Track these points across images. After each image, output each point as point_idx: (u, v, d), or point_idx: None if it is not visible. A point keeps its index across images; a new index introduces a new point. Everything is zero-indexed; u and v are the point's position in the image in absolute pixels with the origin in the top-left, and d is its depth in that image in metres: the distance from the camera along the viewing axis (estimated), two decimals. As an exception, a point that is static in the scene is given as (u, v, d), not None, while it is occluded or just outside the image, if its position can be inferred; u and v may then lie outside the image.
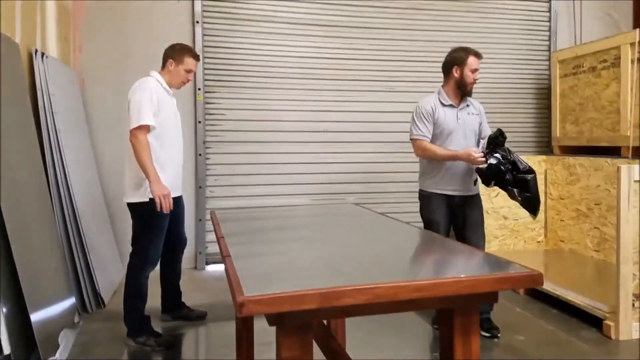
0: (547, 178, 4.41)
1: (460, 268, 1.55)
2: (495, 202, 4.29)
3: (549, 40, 4.88)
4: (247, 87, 4.28)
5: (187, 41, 4.13)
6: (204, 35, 4.17)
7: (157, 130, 2.72)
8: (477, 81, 2.94)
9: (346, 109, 4.48)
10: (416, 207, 4.99)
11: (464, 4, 4.66)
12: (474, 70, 2.87)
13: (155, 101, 2.72)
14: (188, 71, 2.92)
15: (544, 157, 4.47)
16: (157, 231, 2.77)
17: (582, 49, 4.22)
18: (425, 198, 3.02)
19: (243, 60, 4.27)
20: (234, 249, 1.83)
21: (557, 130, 4.56)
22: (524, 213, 4.41)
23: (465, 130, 2.93)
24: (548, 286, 3.31)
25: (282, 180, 4.38)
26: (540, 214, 4.45)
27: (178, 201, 2.95)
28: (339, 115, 4.46)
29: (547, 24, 4.88)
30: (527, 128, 4.91)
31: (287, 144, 4.38)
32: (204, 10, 4.17)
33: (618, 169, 2.80)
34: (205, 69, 4.19)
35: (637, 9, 4.94)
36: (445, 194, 2.92)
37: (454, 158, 2.82)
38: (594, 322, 2.96)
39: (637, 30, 3.68)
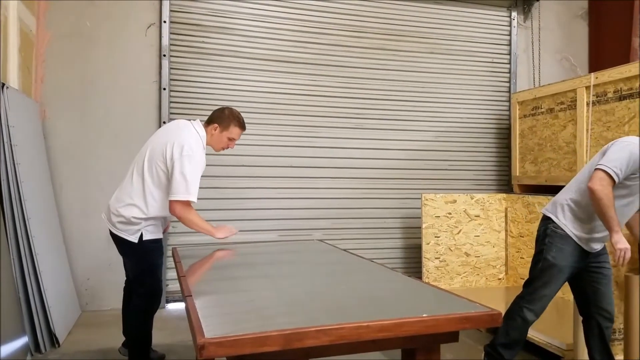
0: (507, 216, 4.53)
1: (423, 307, 1.56)
2: (458, 239, 4.37)
3: (510, 82, 5.12)
4: (214, 121, 4.27)
5: (153, 74, 4.15)
6: (170, 68, 4.17)
7: None
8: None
9: (313, 144, 4.52)
10: (381, 243, 5.00)
11: (429, 46, 4.86)
12: None
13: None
14: (231, 139, 2.82)
15: (504, 195, 4.61)
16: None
17: (541, 91, 4.44)
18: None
19: (210, 94, 4.28)
20: (196, 288, 1.78)
21: (516, 169, 4.73)
22: (485, 250, 4.55)
23: None
24: (511, 323, 3.34)
25: (248, 216, 4.33)
26: (501, 251, 4.57)
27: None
28: (305, 150, 4.50)
29: (508, 66, 5.13)
30: (488, 167, 5.07)
31: (253, 178, 4.36)
32: (171, 44, 4.19)
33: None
34: (171, 102, 4.18)
35: (592, 54, 5.27)
36: None
37: (611, 231, 2.30)
38: (552, 359, 2.99)
39: (592, 74, 3.89)
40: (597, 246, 2.47)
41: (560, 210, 2.48)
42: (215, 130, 2.76)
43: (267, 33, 4.41)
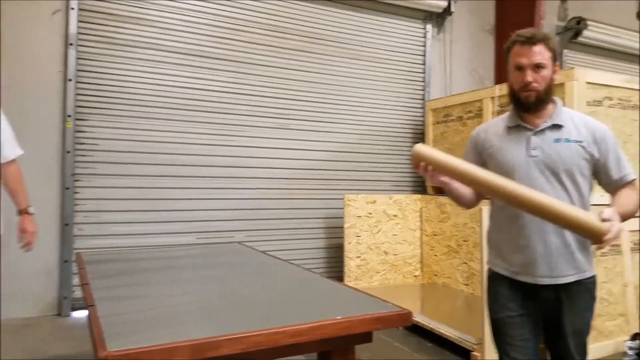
0: (422, 216, 4.74)
1: (338, 309, 1.57)
2: (377, 238, 4.50)
3: (424, 90, 5.37)
4: (125, 115, 4.03)
5: (58, 64, 3.84)
6: (78, 58, 3.88)
7: None
8: None
9: (234, 143, 4.42)
10: (304, 243, 5.04)
11: (350, 52, 4.95)
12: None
13: None
14: None
15: (419, 196, 4.82)
16: None
17: (451, 100, 4.70)
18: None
19: (122, 87, 4.03)
20: (101, 294, 1.67)
21: (430, 172, 4.96)
22: (402, 248, 4.73)
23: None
24: (423, 320, 3.50)
25: (164, 218, 4.14)
26: (417, 249, 4.78)
27: None
28: (226, 149, 4.39)
29: (423, 75, 5.37)
30: (404, 169, 5.27)
31: (169, 178, 4.17)
32: (80, 33, 3.89)
33: (480, 209, 3.10)
34: (77, 94, 3.88)
35: (498, 67, 5.66)
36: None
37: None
38: (464, 353, 3.16)
39: (497, 86, 4.18)
40: (537, 269, 1.74)
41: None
42: None
43: (187, 27, 4.24)
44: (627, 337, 3.15)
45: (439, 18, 5.36)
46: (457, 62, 5.49)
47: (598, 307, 3.24)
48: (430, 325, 3.44)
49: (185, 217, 4.21)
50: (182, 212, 4.20)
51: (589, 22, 6.07)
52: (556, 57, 1.80)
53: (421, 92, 5.35)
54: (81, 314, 3.88)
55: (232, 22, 4.42)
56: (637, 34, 6.47)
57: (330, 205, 4.79)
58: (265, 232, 4.53)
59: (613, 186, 1.80)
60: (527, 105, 1.77)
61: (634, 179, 1.79)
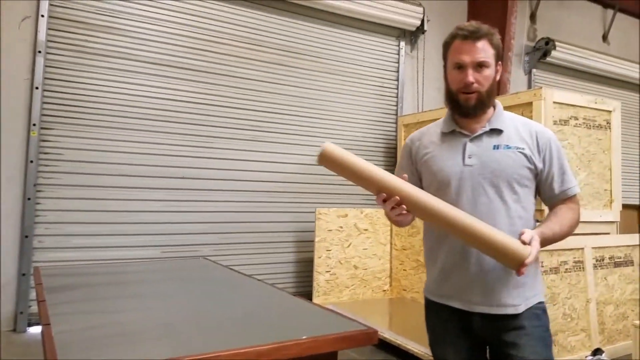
0: (392, 230, 4.77)
1: (303, 328, 1.55)
2: (348, 252, 4.50)
3: (397, 105, 5.44)
4: (92, 125, 3.93)
5: (25, 71, 3.73)
6: (46, 66, 3.78)
7: None
8: None
9: (205, 155, 4.36)
10: (273, 257, 4.98)
11: (324, 66, 4.99)
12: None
13: None
14: None
15: (390, 211, 4.85)
16: None
17: (423, 116, 4.77)
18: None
19: (91, 96, 3.94)
20: (58, 310, 1.61)
21: (401, 187, 5.01)
22: (372, 263, 4.74)
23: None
24: (390, 336, 3.50)
25: (130, 230, 4.03)
26: (386, 264, 4.79)
27: None
28: (196, 161, 4.32)
29: (396, 91, 5.44)
30: (376, 183, 5.30)
31: (136, 190, 4.07)
32: (49, 40, 3.80)
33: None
34: (44, 103, 3.77)
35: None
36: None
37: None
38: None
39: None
40: (470, 294, 1.54)
41: None
42: None
43: (160, 37, 4.19)
44: (589, 352, 3.22)
45: (412, 36, 5.47)
46: (429, 79, 5.59)
47: (561, 322, 3.31)
48: (398, 342, 3.44)
49: (151, 230, 4.12)
50: (148, 225, 4.11)
51: (557, 43, 6.30)
52: (500, 56, 1.60)
53: (394, 108, 5.42)
54: (38, 330, 3.73)
55: (208, 33, 4.40)
56: (604, 56, 6.75)
57: (302, 218, 4.77)
58: (235, 245, 4.47)
59: (553, 200, 1.60)
60: (466, 109, 1.57)
61: (575, 194, 1.60)
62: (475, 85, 1.54)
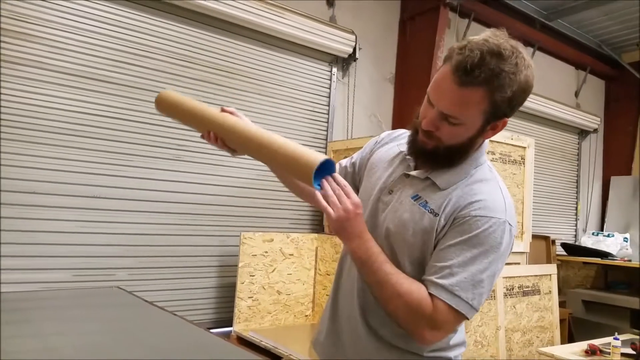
0: (317, 255, 4.77)
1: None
2: (272, 277, 4.43)
3: (327, 131, 5.50)
4: (-2, 139, 3.63)
5: None
6: (-54, 70, 3.45)
7: None
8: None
9: (122, 174, 4.13)
10: (194, 282, 4.81)
11: (256, 87, 4.94)
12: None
13: None
14: None
15: (316, 235, 4.86)
16: None
17: (352, 143, 4.86)
18: None
19: (-2, 107, 3.63)
20: None
21: (328, 211, 5.04)
22: (296, 288, 4.69)
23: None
24: (310, 364, 3.46)
25: (36, 252, 3.72)
26: (310, 289, 4.77)
27: None
28: (113, 180, 4.08)
29: (326, 116, 5.50)
30: (304, 207, 5.30)
31: (47, 208, 3.78)
32: (-49, 42, 3.48)
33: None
34: (-58, 110, 3.43)
35: (395, 114, 5.98)
36: None
37: None
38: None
39: (392, 133, 4.39)
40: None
41: None
42: None
43: (78, 47, 3.96)
44: (497, 379, 3.36)
45: (344, 62, 5.58)
46: (359, 106, 5.72)
47: (473, 350, 3.44)
48: (317, 371, 3.40)
49: (62, 251, 3.83)
50: (60, 247, 3.82)
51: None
52: (498, 114, 1.18)
53: (324, 133, 5.47)
54: None
55: (133, 46, 4.22)
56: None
57: (226, 242, 4.66)
58: (153, 270, 4.26)
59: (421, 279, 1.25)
60: (417, 151, 1.29)
61: (449, 305, 1.20)
62: (436, 133, 1.21)
